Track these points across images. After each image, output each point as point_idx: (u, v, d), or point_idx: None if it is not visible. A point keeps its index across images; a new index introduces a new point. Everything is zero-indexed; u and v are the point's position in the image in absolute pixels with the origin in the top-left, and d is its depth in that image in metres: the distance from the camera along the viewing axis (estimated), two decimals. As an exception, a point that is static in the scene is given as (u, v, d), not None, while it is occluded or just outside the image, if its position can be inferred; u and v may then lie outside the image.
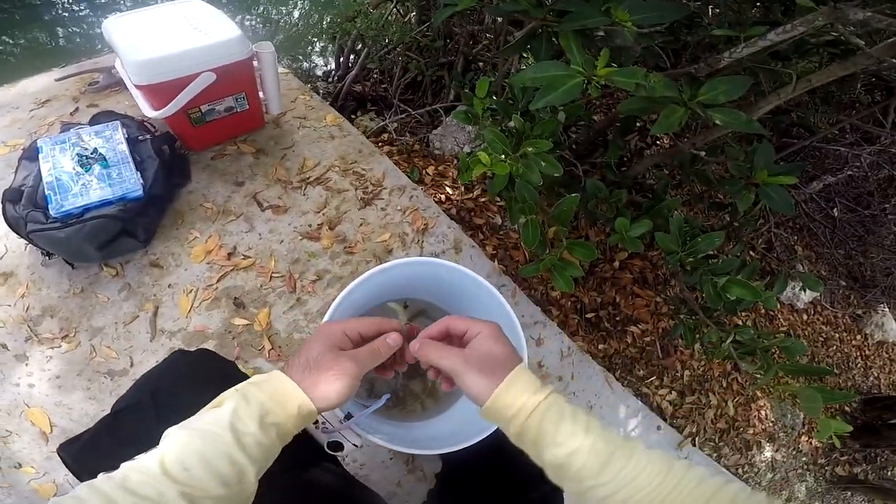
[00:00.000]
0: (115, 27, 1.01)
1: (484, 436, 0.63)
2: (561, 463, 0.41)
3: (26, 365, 0.99)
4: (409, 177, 1.36)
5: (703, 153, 0.96)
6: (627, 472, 0.39)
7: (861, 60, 0.70)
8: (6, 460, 0.92)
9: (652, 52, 0.88)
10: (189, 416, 0.42)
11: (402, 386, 0.84)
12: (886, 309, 1.97)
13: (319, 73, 2.48)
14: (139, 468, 0.36)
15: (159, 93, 1.00)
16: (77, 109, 1.32)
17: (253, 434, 0.39)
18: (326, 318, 0.66)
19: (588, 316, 1.41)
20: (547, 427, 0.42)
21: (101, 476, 0.36)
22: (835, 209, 1.85)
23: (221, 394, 0.43)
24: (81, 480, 0.50)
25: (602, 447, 0.40)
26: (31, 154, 1.03)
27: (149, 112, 1.01)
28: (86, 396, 0.98)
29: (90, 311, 1.04)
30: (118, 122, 1.11)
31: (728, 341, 0.85)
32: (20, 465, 0.92)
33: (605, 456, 0.40)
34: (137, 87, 0.99)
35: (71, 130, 1.07)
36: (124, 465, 0.37)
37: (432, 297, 0.90)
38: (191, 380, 0.58)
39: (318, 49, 2.68)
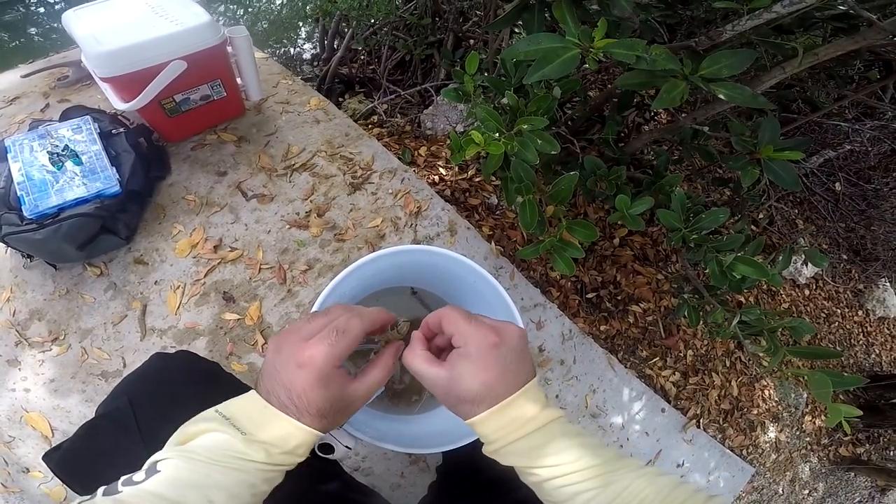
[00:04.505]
0: (75, 19, 0.96)
1: None
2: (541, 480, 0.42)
3: (19, 370, 0.98)
4: (400, 159, 1.31)
5: (705, 128, 0.92)
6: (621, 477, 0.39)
7: (871, 35, 0.67)
8: (13, 465, 0.92)
9: (649, 27, 0.85)
10: (167, 421, 0.40)
11: (399, 376, 0.82)
12: (888, 283, 1.96)
13: (307, 56, 2.41)
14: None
15: (127, 84, 0.95)
16: (48, 106, 1.26)
17: (262, 461, 0.38)
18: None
19: (589, 296, 1.38)
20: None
21: (102, 499, 0.33)
22: (836, 183, 1.82)
23: (203, 414, 0.40)
24: (69, 486, 0.53)
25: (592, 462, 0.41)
26: (-1, 154, 0.98)
27: (119, 105, 0.97)
28: (82, 399, 0.97)
29: (77, 313, 1.02)
30: (89, 116, 1.05)
31: (735, 322, 0.83)
32: (28, 470, 0.92)
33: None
34: (103, 79, 0.95)
35: (40, 127, 1.01)
36: (127, 492, 0.34)
37: (427, 285, 0.87)
38: (169, 384, 0.56)
39: (303, 33, 2.60)
